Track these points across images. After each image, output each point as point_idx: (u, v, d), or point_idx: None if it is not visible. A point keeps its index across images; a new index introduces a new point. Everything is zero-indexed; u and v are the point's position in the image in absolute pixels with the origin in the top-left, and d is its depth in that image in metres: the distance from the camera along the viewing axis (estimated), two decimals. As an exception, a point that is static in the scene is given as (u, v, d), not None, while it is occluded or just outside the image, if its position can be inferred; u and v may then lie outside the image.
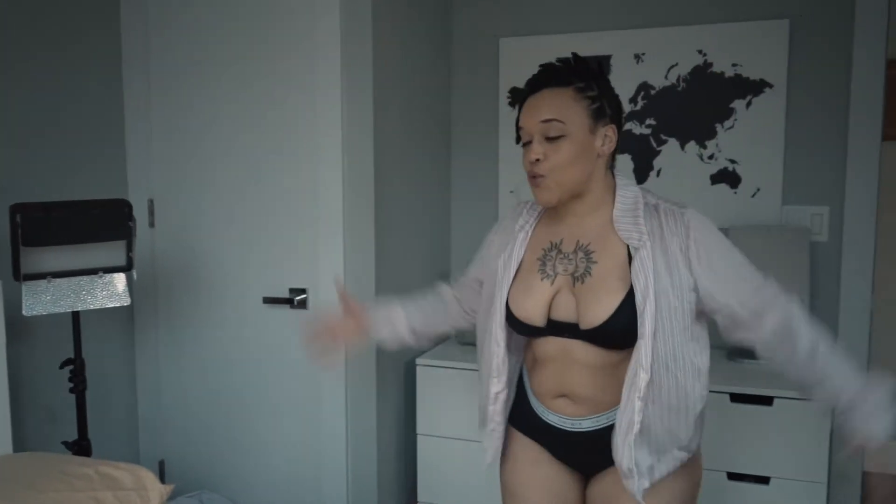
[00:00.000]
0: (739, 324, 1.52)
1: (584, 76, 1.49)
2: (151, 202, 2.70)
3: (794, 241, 2.55)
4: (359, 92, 2.38)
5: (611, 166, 1.56)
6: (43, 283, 2.07)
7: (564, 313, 1.52)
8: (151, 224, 2.70)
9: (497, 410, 1.64)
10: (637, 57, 2.78)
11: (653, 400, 1.47)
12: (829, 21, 2.57)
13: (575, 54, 1.54)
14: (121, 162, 2.68)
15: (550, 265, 1.54)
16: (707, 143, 2.73)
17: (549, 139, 1.47)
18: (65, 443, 2.23)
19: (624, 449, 1.47)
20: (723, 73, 2.69)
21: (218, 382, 2.67)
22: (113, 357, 2.70)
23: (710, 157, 2.73)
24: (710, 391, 2.31)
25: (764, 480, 2.30)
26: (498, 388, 1.62)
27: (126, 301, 2.20)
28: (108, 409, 2.67)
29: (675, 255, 1.46)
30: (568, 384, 1.54)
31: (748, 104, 2.67)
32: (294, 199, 2.49)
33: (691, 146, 2.75)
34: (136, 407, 2.79)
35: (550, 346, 1.55)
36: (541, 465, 1.65)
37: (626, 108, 2.80)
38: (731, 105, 2.69)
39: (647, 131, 2.79)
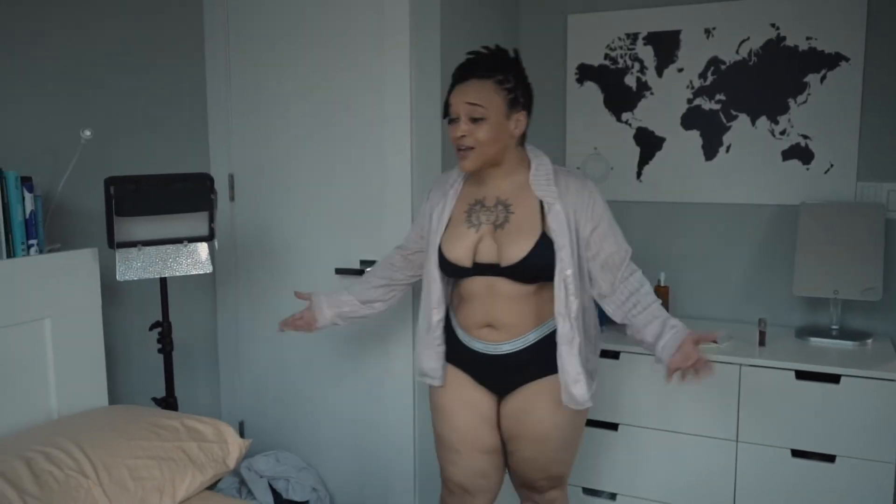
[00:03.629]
0: (599, 271, 1.91)
1: (503, 69, 1.84)
2: (231, 177, 2.83)
3: (869, 217, 2.49)
4: (427, 69, 2.44)
5: (521, 143, 1.93)
6: (134, 250, 2.21)
7: (487, 255, 1.87)
8: (232, 198, 2.84)
9: (438, 335, 1.99)
10: (707, 31, 2.74)
11: (581, 323, 1.88)
12: (910, -9, 2.49)
13: (498, 46, 1.88)
14: (203, 139, 2.83)
15: (475, 217, 1.91)
16: (779, 118, 2.68)
17: (473, 120, 1.82)
18: (154, 399, 2.39)
19: (570, 359, 1.86)
20: (797, 47, 2.63)
21: (293, 348, 2.80)
22: (196, 321, 2.86)
23: (782, 133, 2.68)
24: (775, 368, 2.32)
25: (830, 458, 2.29)
26: (438, 317, 1.98)
27: (208, 269, 2.32)
28: (192, 369, 2.83)
29: (577, 211, 1.86)
30: (492, 314, 1.90)
31: (822, 78, 2.60)
32: (365, 176, 2.58)
33: (762, 122, 2.70)
34: (217, 369, 2.95)
35: (476, 284, 1.90)
36: (465, 387, 2.00)
37: (696, 83, 2.78)
38: (805, 79, 2.63)
39: (717, 107, 2.75)
